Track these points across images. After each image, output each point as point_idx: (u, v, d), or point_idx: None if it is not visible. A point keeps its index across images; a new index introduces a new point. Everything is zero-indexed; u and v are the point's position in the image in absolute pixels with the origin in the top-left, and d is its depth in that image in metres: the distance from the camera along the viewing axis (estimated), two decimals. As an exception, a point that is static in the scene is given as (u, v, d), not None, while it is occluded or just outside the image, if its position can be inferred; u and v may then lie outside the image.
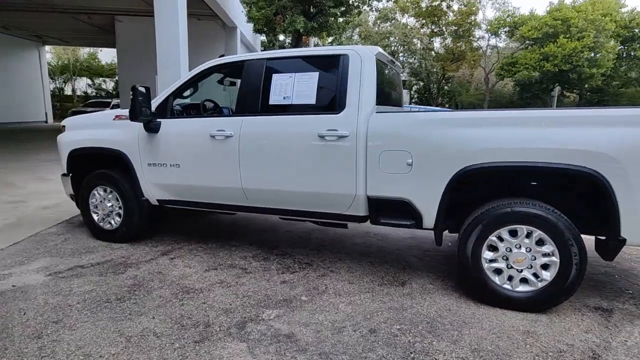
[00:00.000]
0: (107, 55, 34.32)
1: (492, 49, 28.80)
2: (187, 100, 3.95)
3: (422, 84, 29.94)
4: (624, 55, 26.44)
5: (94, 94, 36.44)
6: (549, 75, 24.26)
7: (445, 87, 30.58)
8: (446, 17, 27.82)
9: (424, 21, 27.71)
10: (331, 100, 2.99)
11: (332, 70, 3.02)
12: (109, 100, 25.41)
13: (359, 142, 2.81)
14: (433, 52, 25.97)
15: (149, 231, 4.09)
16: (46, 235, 4.13)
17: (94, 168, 3.94)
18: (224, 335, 2.33)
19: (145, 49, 15.83)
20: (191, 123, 3.51)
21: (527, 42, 25.29)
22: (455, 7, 27.42)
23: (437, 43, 28.01)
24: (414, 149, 2.68)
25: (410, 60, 28.00)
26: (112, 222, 3.88)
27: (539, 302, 2.55)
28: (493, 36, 27.67)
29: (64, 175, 4.08)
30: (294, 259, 3.56)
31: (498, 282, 2.61)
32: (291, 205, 3.17)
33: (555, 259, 2.47)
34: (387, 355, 2.15)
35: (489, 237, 2.59)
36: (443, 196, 2.65)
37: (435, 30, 28.21)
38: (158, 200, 3.68)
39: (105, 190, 3.85)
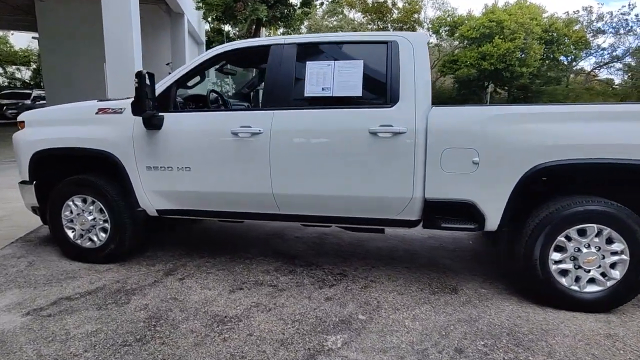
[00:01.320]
0: (21, 40, 30.07)
1: (434, 46, 30.14)
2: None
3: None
4: (545, 56, 29.27)
5: (5, 83, 31.74)
6: (485, 73, 26.07)
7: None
8: (391, 14, 28.53)
9: (370, 17, 28.14)
10: (381, 92, 2.66)
11: (378, 58, 2.68)
12: (29, 91, 22.30)
13: (418, 139, 2.53)
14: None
15: (141, 247, 3.44)
16: (0, 259, 3.29)
17: (67, 174, 3.20)
18: (298, 376, 1.92)
19: (75, 33, 14.01)
20: (206, 118, 2.95)
21: (467, 41, 26.87)
22: (400, 4, 28.24)
23: (383, 39, 28.61)
24: (481, 146, 2.46)
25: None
26: (95, 239, 3.18)
27: (607, 302, 2.49)
28: (435, 34, 28.97)
29: (23, 182, 3.26)
30: (323, 269, 3.19)
31: (565, 284, 2.51)
32: (331, 211, 2.80)
33: (625, 256, 2.41)
34: (494, 379, 1.91)
35: (558, 238, 2.47)
36: (511, 196, 2.47)
37: (382, 27, 28.79)
38: (158, 211, 3.07)
39: (84, 201, 3.13)
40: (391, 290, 2.83)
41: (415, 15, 28.36)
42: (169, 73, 3.03)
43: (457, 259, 3.48)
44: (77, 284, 2.85)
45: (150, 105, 2.60)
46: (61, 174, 3.22)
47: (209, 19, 12.25)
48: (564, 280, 2.51)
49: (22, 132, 3.23)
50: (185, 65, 2.98)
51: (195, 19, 16.68)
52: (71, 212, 3.18)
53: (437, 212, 2.64)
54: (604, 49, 33.45)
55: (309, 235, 4.05)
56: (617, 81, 37.14)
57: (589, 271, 2.47)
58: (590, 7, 49.18)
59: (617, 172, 2.49)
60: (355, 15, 28.19)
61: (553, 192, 2.62)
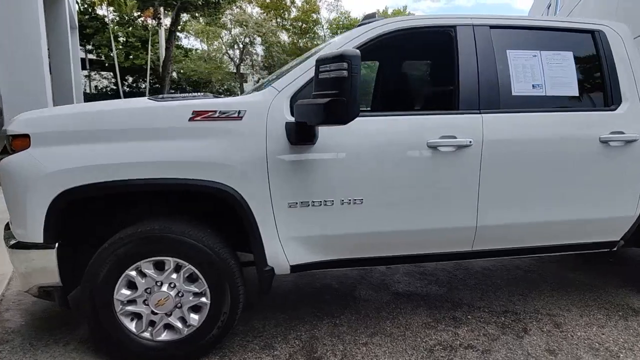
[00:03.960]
0: None
1: (332, 47, 30.93)
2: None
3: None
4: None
5: None
6: (381, 74, 28.01)
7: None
8: (290, 12, 28.12)
9: (269, 13, 27.21)
10: (596, 91, 2.19)
11: (584, 50, 2.21)
12: None
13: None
14: (278, 47, 25.75)
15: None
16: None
17: (115, 223, 1.87)
18: None
19: None
20: (387, 124, 1.98)
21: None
22: (299, 2, 28.03)
23: (285, 37, 28.00)
24: None
25: (259, 52, 27.10)
26: (180, 325, 1.93)
27: None
28: (334, 35, 29.73)
29: (20, 246, 1.78)
30: (486, 311, 2.57)
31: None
32: (535, 241, 2.22)
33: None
34: None
35: None
36: None
37: (281, 24, 28.15)
38: (293, 267, 2.01)
39: (160, 267, 1.86)
40: (584, 324, 2.41)
41: (314, 15, 28.58)
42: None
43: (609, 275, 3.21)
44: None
45: (358, 107, 1.57)
46: (105, 224, 1.87)
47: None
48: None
49: (23, 156, 1.73)
50: (327, 51, 1.98)
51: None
52: (135, 287, 1.86)
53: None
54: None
55: (407, 271, 3.33)
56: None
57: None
58: None
59: None
60: (254, 11, 26.92)
61: None
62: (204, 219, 2.00)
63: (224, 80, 23.60)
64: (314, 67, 1.91)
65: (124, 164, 1.74)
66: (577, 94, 2.17)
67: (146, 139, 1.77)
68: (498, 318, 2.48)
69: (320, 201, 1.91)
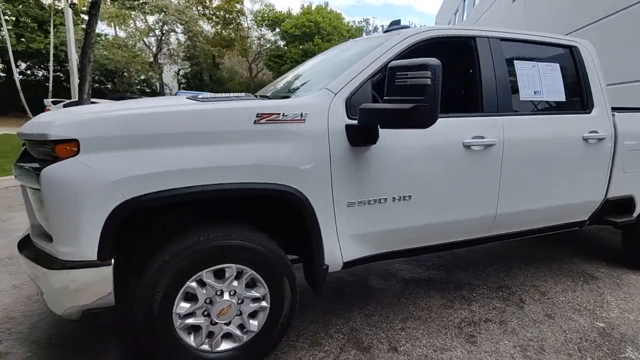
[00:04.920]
0: None
1: (258, 39, 30.30)
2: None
3: (196, 68, 27.90)
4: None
5: None
6: (308, 69, 28.27)
7: (217, 74, 29.82)
8: (212, 1, 26.85)
9: (189, 0, 25.57)
10: (576, 97, 2.62)
11: (565, 62, 2.63)
12: None
13: (614, 144, 2.65)
14: (201, 37, 24.46)
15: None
16: None
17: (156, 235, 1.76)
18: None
19: None
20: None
21: (288, 37, 28.28)
22: (222, -9, 26.92)
23: (208, 26, 26.64)
24: (645, 147, 2.81)
25: (181, 40, 25.39)
26: (239, 332, 1.89)
27: None
28: (259, 27, 29.18)
29: (73, 266, 1.57)
30: (486, 288, 2.93)
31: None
32: (533, 224, 2.61)
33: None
34: None
35: None
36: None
37: (204, 13, 26.72)
38: (346, 264, 2.09)
39: (221, 275, 1.80)
40: (561, 290, 2.91)
41: (238, 5, 27.68)
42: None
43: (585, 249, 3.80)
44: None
45: (438, 112, 1.68)
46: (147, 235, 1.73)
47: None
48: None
49: (73, 164, 1.51)
50: (371, 56, 2.07)
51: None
52: (193, 299, 1.77)
53: (606, 210, 2.86)
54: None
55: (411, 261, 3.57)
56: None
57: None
58: (368, 18, 60.62)
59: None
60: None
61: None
62: (249, 222, 1.96)
63: (143, 70, 21.69)
64: (366, 71, 2.00)
65: (192, 169, 1.63)
66: (564, 100, 2.59)
67: (212, 142, 1.68)
68: (497, 293, 2.85)
69: (376, 199, 2.01)
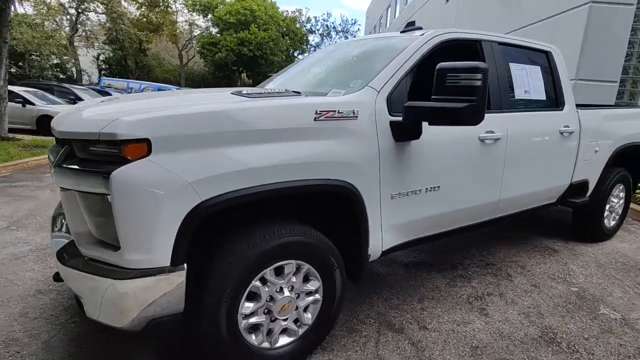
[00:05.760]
0: None
1: (189, 25, 28.47)
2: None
3: (119, 53, 25.33)
4: (284, 48, 33.92)
5: None
6: (244, 58, 27.40)
7: (144, 61, 27.44)
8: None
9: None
10: (552, 96, 3.02)
11: (543, 64, 3.01)
12: None
13: (579, 137, 3.12)
14: (126, 19, 22.23)
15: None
16: None
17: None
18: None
19: None
20: None
21: (224, 25, 27.03)
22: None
23: (133, 8, 24.29)
24: (599, 138, 3.34)
25: (102, 21, 22.80)
26: (294, 327, 1.92)
27: None
28: (190, 12, 27.42)
29: (146, 274, 1.47)
30: (496, 266, 3.27)
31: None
32: (521, 207, 2.98)
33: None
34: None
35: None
36: (602, 170, 3.50)
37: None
38: (384, 251, 2.21)
39: (280, 272, 1.82)
40: (535, 264, 3.37)
41: (165, -14, 25.71)
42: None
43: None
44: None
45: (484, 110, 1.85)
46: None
47: None
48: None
49: (146, 165, 1.39)
50: (404, 55, 2.18)
51: None
52: (256, 298, 1.76)
53: (569, 192, 3.36)
54: (316, 45, 42.17)
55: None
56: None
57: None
58: (301, 9, 60.40)
59: None
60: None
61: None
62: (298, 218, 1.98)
63: (59, 54, 19.20)
64: (402, 69, 2.12)
65: (262, 167, 1.61)
66: (545, 98, 2.98)
67: (278, 140, 1.67)
68: (487, 270, 3.21)
69: (413, 190, 2.15)
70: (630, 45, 6.04)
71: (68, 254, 1.60)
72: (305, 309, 1.96)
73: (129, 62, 26.21)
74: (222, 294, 1.63)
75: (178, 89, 18.87)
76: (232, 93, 1.91)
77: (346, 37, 45.14)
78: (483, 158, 2.48)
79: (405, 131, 2.00)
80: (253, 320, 1.78)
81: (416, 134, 2.01)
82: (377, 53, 2.45)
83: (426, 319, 2.44)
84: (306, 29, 40.83)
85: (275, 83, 2.94)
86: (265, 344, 1.85)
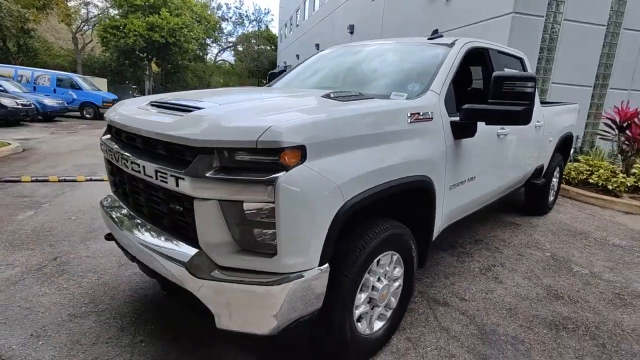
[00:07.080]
0: None
1: (85, 5, 24.86)
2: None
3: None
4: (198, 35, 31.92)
5: None
6: (156, 45, 25.09)
7: (28, 43, 23.23)
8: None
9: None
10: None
11: (520, 68, 3.58)
12: None
13: (542, 130, 3.79)
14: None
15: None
16: None
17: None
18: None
19: None
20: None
21: (129, 7, 24.30)
22: None
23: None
24: (552, 130, 4.08)
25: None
26: (387, 312, 2.12)
27: None
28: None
29: (300, 276, 1.51)
30: (484, 242, 3.78)
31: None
32: (509, 189, 3.54)
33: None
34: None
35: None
36: (551, 156, 4.30)
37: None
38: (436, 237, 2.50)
39: (380, 263, 1.99)
40: (510, 236, 4.02)
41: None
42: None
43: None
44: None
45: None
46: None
47: None
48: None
49: (306, 171, 1.41)
50: (448, 63, 2.46)
51: None
52: (365, 289, 1.90)
53: (533, 175, 4.06)
54: (228, 34, 40.68)
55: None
56: (232, 62, 46.68)
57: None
58: None
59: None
60: None
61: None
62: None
63: None
64: (449, 75, 2.41)
65: (382, 168, 1.74)
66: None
67: (388, 141, 1.82)
68: (480, 246, 3.73)
69: (461, 181, 2.47)
70: (541, 50, 7.28)
71: (202, 267, 1.53)
72: (394, 294, 2.16)
73: (10, 44, 22.10)
74: (344, 288, 1.74)
75: (86, 77, 16.58)
76: (322, 96, 1.97)
77: (259, 27, 44.38)
78: (500, 150, 2.93)
79: (463, 130, 2.29)
80: (361, 309, 1.92)
81: (472, 132, 2.31)
82: (417, 58, 2.69)
83: (460, 292, 2.82)
84: (218, 17, 39.13)
85: (299, 81, 2.99)
86: (367, 331, 2.00)
